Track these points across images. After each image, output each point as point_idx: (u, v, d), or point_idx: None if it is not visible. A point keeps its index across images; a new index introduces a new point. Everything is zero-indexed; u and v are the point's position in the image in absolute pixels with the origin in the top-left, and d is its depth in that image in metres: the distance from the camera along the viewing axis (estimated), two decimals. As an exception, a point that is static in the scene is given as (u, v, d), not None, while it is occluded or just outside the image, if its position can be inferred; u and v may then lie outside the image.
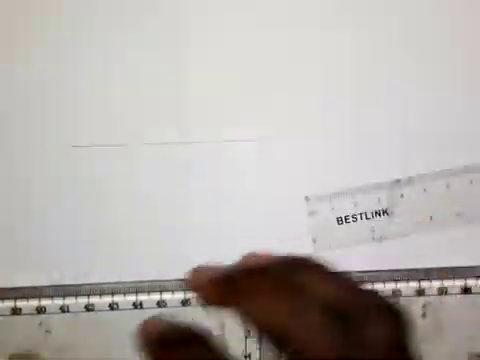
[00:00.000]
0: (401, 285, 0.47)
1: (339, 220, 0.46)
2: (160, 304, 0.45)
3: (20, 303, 0.45)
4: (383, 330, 0.24)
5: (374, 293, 0.24)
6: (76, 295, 0.45)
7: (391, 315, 0.24)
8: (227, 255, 0.47)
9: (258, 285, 0.24)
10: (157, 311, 0.45)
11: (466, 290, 0.47)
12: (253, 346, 0.46)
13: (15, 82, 0.45)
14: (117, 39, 0.45)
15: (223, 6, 0.45)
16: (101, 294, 0.45)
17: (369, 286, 0.47)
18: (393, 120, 0.47)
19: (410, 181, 0.47)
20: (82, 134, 0.45)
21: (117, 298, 0.46)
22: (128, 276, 0.46)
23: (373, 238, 0.47)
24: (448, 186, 0.47)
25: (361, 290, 0.25)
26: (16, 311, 0.45)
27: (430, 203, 0.47)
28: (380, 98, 0.46)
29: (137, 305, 0.45)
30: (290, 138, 0.46)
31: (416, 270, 0.47)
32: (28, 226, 0.45)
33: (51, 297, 0.45)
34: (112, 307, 0.46)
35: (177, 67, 0.45)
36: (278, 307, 0.23)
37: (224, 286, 0.25)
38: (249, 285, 0.24)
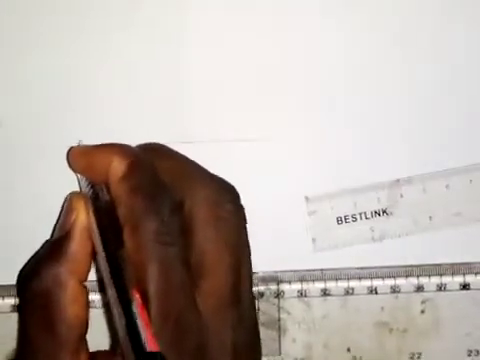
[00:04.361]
0: (400, 281, 0.47)
1: (338, 220, 0.47)
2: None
3: (20, 300, 0.46)
4: (204, 192, 0.27)
5: (201, 167, 0.28)
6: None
7: (212, 181, 0.28)
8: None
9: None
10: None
11: (465, 286, 0.47)
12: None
13: (15, 83, 0.45)
14: (115, 38, 0.45)
15: (223, 5, 0.46)
16: (101, 291, 0.45)
17: (368, 282, 0.47)
18: (392, 120, 0.47)
19: (409, 181, 0.47)
20: (82, 135, 0.45)
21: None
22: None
23: (372, 238, 0.47)
24: (448, 186, 0.47)
25: (194, 168, 0.29)
26: (16, 308, 0.46)
27: (429, 203, 0.47)
28: (380, 98, 0.47)
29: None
30: (289, 138, 0.46)
31: (415, 266, 0.47)
32: (28, 224, 0.46)
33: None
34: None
35: (177, 67, 0.46)
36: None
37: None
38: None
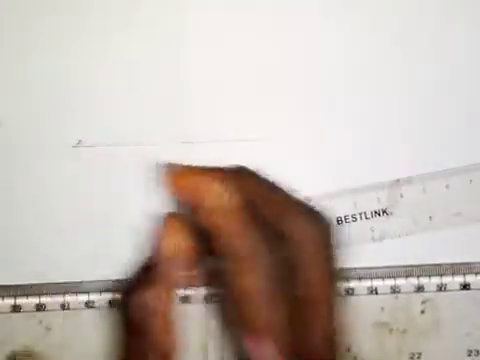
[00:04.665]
0: (400, 281, 0.47)
1: (338, 220, 0.47)
2: (160, 301, 0.46)
3: (20, 300, 0.46)
4: (308, 230, 0.26)
5: (299, 199, 0.27)
6: (76, 292, 0.46)
7: (315, 217, 0.27)
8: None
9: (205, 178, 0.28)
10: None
11: (465, 286, 0.47)
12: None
13: (15, 83, 0.45)
14: (115, 38, 0.45)
15: (223, 5, 0.45)
16: (101, 291, 0.46)
17: (368, 282, 0.47)
18: (392, 120, 0.47)
19: (409, 181, 0.47)
20: (82, 135, 0.45)
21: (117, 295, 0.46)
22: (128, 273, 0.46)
23: (372, 238, 0.47)
24: (448, 186, 0.47)
25: (289, 195, 0.28)
26: (16, 308, 0.46)
27: (429, 203, 0.47)
28: (380, 98, 0.47)
29: (137, 302, 0.46)
30: (289, 138, 0.46)
31: (415, 266, 0.47)
32: (28, 225, 0.46)
33: (51, 294, 0.46)
34: (112, 304, 0.46)
35: (177, 67, 0.46)
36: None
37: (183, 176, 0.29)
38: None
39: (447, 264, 0.47)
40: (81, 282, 0.46)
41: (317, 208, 0.29)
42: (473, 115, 0.47)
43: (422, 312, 0.48)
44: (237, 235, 0.27)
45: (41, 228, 0.45)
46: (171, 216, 0.29)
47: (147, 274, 0.29)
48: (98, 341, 0.45)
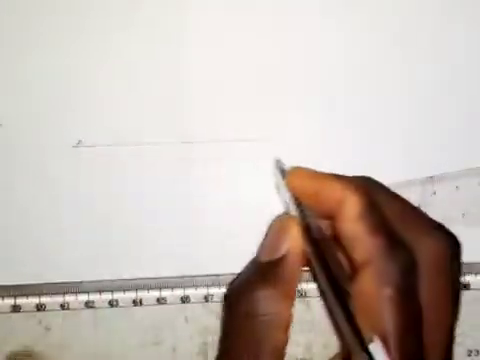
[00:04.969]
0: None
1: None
2: (160, 301, 0.46)
3: (20, 300, 0.46)
4: (437, 246, 0.26)
5: (428, 215, 0.27)
6: (76, 292, 0.46)
7: (444, 235, 0.27)
8: (226, 253, 0.47)
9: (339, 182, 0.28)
10: (156, 308, 0.45)
11: (465, 286, 0.47)
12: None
13: (15, 83, 0.45)
14: (115, 38, 0.45)
15: (223, 5, 0.45)
16: (101, 291, 0.46)
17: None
18: (393, 120, 0.47)
19: (419, 184, 0.47)
20: (82, 135, 0.45)
21: (117, 295, 0.46)
22: (128, 273, 0.46)
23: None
24: (458, 188, 0.47)
25: (418, 210, 0.28)
26: (16, 308, 0.46)
27: (440, 204, 0.47)
28: (380, 98, 0.47)
29: (137, 302, 0.46)
30: (290, 138, 0.46)
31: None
32: (28, 225, 0.46)
33: (51, 294, 0.46)
34: (112, 304, 0.46)
35: (177, 67, 0.46)
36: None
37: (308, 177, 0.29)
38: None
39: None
40: (81, 282, 0.46)
41: (445, 226, 0.29)
42: (473, 115, 0.47)
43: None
44: (361, 240, 0.27)
45: (41, 228, 0.45)
46: (291, 219, 0.29)
47: (259, 273, 0.29)
48: (98, 341, 0.46)
